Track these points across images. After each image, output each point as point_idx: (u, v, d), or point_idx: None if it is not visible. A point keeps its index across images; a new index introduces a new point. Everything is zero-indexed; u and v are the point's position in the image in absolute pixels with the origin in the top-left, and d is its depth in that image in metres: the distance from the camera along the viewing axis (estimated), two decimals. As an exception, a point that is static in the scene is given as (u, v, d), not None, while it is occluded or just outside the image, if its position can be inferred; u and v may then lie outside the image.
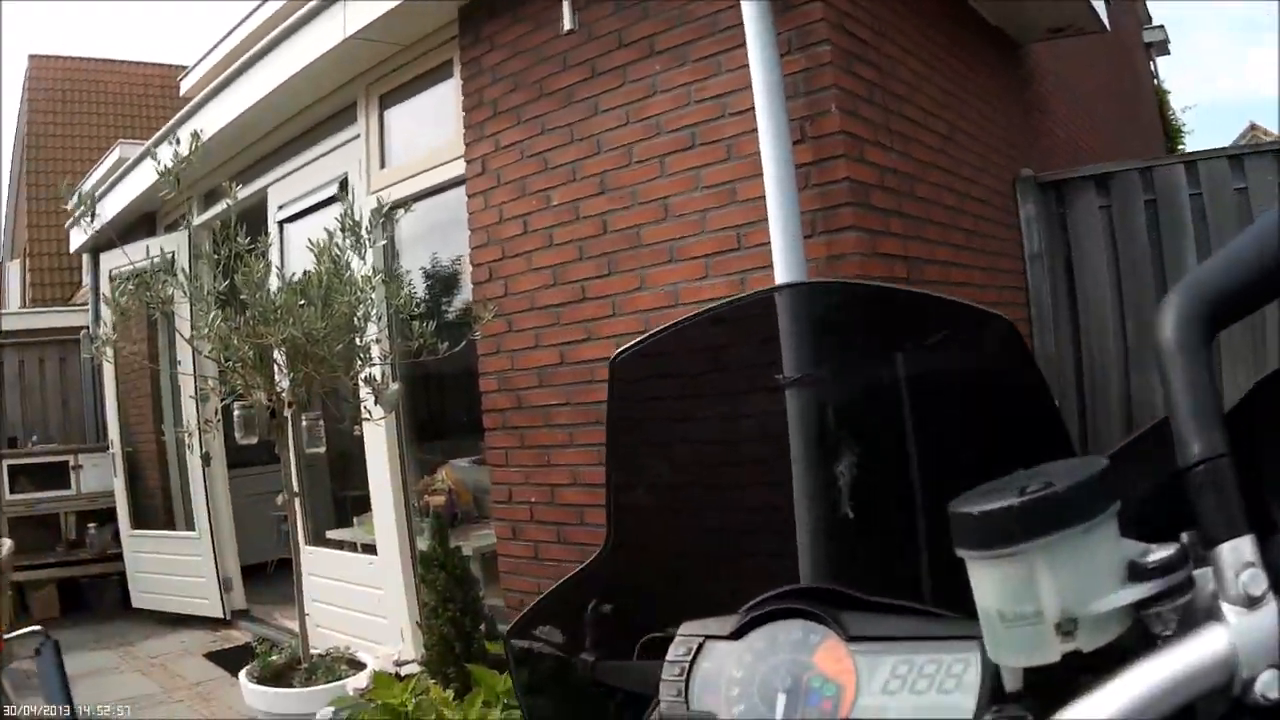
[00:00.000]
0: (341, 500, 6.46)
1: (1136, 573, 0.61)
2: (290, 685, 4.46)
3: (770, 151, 3.56)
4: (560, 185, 4.37)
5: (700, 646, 0.98)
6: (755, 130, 3.61)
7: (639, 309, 4.08)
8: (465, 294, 4.98)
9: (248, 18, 7.49)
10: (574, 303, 4.31)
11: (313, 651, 4.67)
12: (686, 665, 0.97)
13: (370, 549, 5.72)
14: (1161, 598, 0.61)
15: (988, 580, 0.64)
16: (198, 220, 6.77)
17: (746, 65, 3.65)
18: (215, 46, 8.26)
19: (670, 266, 3.99)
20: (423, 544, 4.93)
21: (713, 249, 3.87)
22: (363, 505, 5.83)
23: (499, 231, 4.63)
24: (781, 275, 3.47)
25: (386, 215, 4.76)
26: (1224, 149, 5.80)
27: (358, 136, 5.76)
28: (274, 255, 5.69)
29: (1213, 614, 0.60)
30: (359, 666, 4.60)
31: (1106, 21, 6.30)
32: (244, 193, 5.24)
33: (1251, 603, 0.59)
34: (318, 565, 5.97)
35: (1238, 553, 0.59)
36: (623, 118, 4.15)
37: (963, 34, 5.11)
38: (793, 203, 3.53)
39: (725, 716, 0.91)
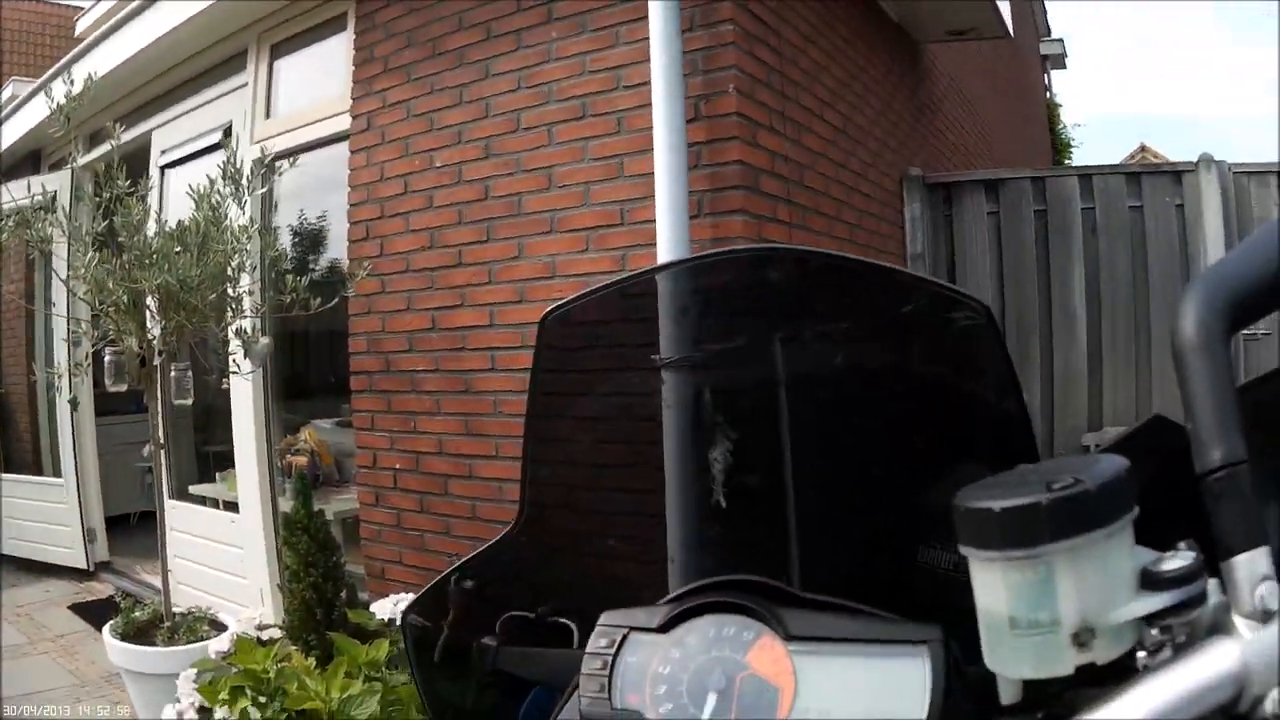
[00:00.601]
0: (205, 455, 6.24)
1: (1151, 582, 0.58)
2: (153, 643, 4.33)
3: (663, 128, 3.45)
4: (445, 147, 4.20)
5: (624, 639, 0.89)
6: (649, 105, 3.49)
7: (515, 278, 3.94)
8: (341, 253, 4.79)
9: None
10: (449, 267, 4.15)
11: (175, 610, 4.51)
12: (610, 659, 0.88)
13: (232, 506, 5.52)
14: (1177, 609, 0.57)
15: (1000, 583, 0.59)
16: (82, 160, 6.45)
17: (646, 38, 3.53)
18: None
19: (550, 237, 3.85)
20: (285, 505, 4.83)
21: (595, 223, 3.75)
22: (226, 461, 5.63)
23: (379, 190, 4.46)
24: (665, 254, 3.36)
25: (268, 166, 4.59)
26: (1122, 165, 5.86)
27: (245, 85, 5.52)
28: (154, 200, 5.45)
29: (1222, 627, 0.57)
30: (220, 628, 4.44)
31: (1010, 27, 6.28)
32: (129, 135, 4.97)
33: (1266, 617, 0.56)
34: (180, 520, 5.76)
35: (1254, 565, 0.56)
36: (514, 83, 3.99)
37: (864, 28, 5.03)
38: (682, 181, 3.43)
39: (651, 716, 0.83)
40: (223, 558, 5.56)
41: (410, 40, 4.37)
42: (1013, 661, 0.60)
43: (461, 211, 4.13)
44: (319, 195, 5.54)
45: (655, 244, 3.43)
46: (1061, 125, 15.71)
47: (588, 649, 0.90)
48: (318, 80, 5.15)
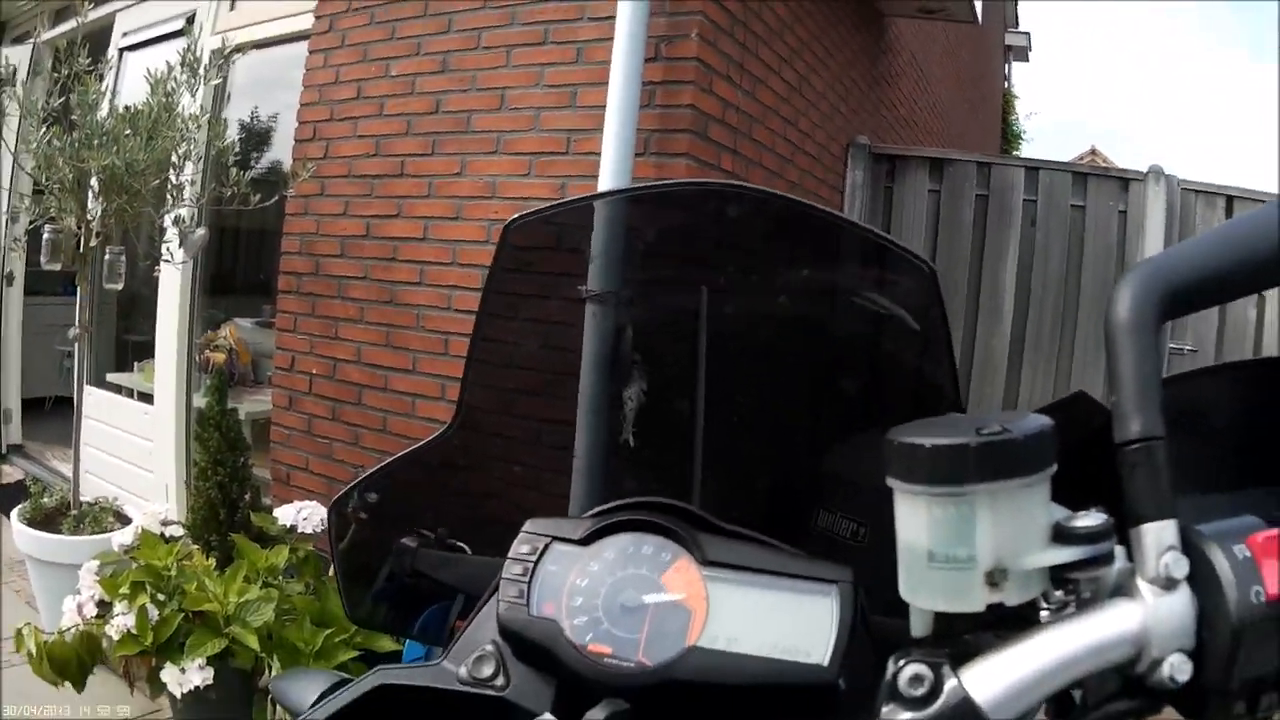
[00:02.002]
0: (125, 343, 6.08)
1: (1063, 536, 0.59)
2: (58, 532, 4.25)
3: (621, 62, 3.38)
4: (403, 57, 4.07)
5: (546, 547, 0.88)
6: (610, 39, 3.42)
7: (454, 194, 3.85)
8: (286, 153, 4.68)
9: None
10: (391, 176, 4.04)
11: (82, 499, 4.44)
12: (531, 566, 0.86)
13: (147, 398, 5.39)
14: (1085, 564, 0.59)
15: (923, 516, 0.60)
16: (46, 36, 6.25)
17: None
18: None
19: (494, 158, 3.76)
20: (200, 401, 4.70)
21: (541, 148, 3.67)
22: (145, 351, 5.49)
23: (331, 93, 4.32)
24: (606, 188, 3.28)
25: (226, 58, 4.46)
26: (1070, 163, 5.85)
27: (214, -27, 5.31)
28: (110, 82, 5.25)
29: (1125, 590, 0.59)
30: (125, 520, 4.38)
31: (980, 13, 6.25)
32: (94, 14, 4.81)
33: (1169, 585, 0.58)
34: (94, 408, 5.57)
35: (1161, 534, 0.59)
36: (480, 1, 3.88)
37: (834, -7, 4.96)
38: (631, 117, 3.37)
39: (565, 625, 0.81)
40: (133, 450, 5.44)
41: (385, -52, 4.23)
42: (927, 593, 0.61)
43: (410, 122, 4.02)
44: (272, 93, 5.39)
45: (598, 176, 3.36)
46: (1015, 116, 15.77)
47: (510, 554, 0.88)
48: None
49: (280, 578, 3.48)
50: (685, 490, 1.05)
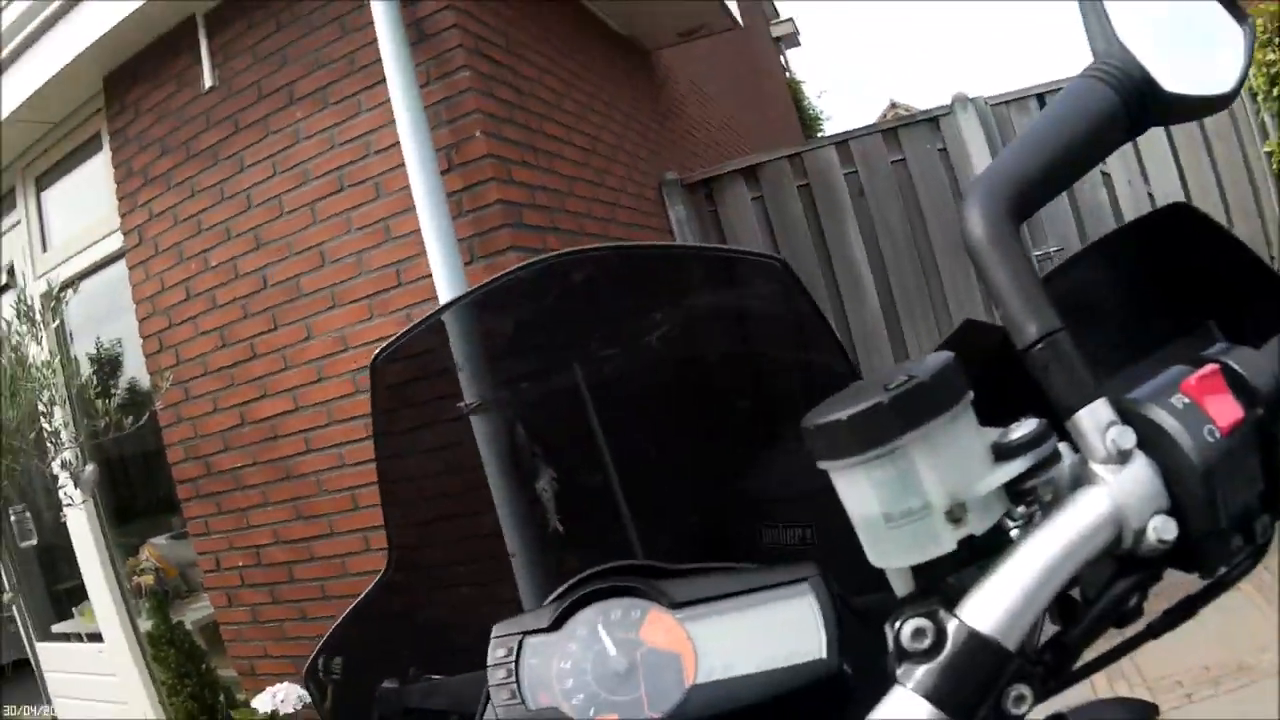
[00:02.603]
0: (57, 594, 5.88)
1: (1003, 453, 0.59)
2: None
3: (420, 183, 3.41)
4: (216, 246, 4.07)
5: (520, 644, 0.87)
6: (402, 165, 3.46)
7: (310, 358, 3.84)
8: (140, 371, 4.59)
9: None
10: (245, 361, 4.02)
11: None
12: (512, 665, 0.86)
13: (96, 637, 5.24)
14: (1035, 471, 0.59)
15: (865, 485, 0.59)
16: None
17: (387, 100, 3.50)
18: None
19: (334, 312, 3.77)
20: (145, 624, 4.57)
21: (374, 289, 3.69)
22: (78, 595, 5.35)
23: (163, 300, 4.29)
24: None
25: (56, 298, 4.32)
26: (876, 125, 5.88)
27: (19, 222, 5.24)
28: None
29: (1083, 479, 0.59)
30: None
31: (739, 17, 6.32)
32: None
33: (1124, 458, 0.58)
34: (51, 662, 5.49)
35: (1096, 415, 0.58)
36: (270, 169, 3.90)
37: (595, 47, 5.05)
38: (448, 232, 3.41)
39: (565, 708, 0.81)
40: (99, 688, 5.26)
41: (164, 147, 4.23)
42: (897, 553, 0.60)
43: (245, 305, 4.00)
44: (112, 316, 5.26)
45: (436, 298, 3.38)
46: (806, 101, 16.01)
47: (488, 662, 0.88)
48: (87, 204, 4.92)
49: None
50: (629, 551, 1.03)
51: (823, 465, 0.60)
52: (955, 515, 0.57)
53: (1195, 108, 0.71)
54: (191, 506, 4.34)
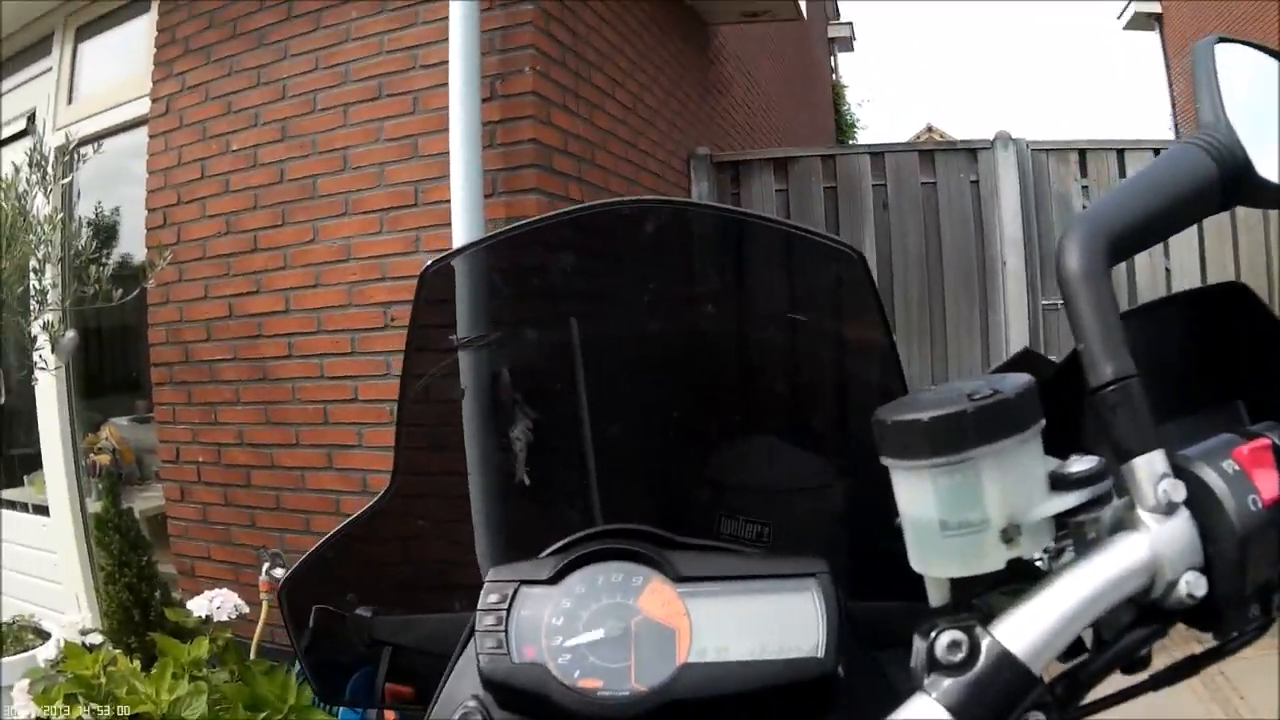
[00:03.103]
0: (10, 459, 5.76)
1: (1060, 483, 0.60)
2: None
3: (459, 106, 3.32)
4: (241, 130, 3.97)
5: (515, 592, 0.84)
6: (445, 85, 3.37)
7: (311, 261, 3.75)
8: (135, 247, 4.52)
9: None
10: (245, 253, 3.93)
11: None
12: (504, 614, 0.83)
13: (43, 510, 5.16)
14: (1087, 506, 0.60)
15: (929, 489, 0.59)
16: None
17: (445, 17, 3.39)
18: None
19: (344, 219, 3.68)
20: (94, 505, 4.46)
21: (389, 203, 3.59)
22: (32, 463, 5.26)
23: (176, 176, 4.18)
24: (460, 234, 3.24)
25: (71, 153, 4.24)
26: (915, 144, 5.85)
27: (50, 69, 5.14)
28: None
29: (1126, 524, 0.60)
30: (45, 636, 4.18)
31: (804, 9, 6.26)
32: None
33: (1170, 510, 0.59)
34: (-8, 527, 5.30)
35: (1153, 465, 0.60)
36: (312, 63, 3.81)
37: (657, 9, 4.96)
38: (476, 160, 3.32)
39: (550, 666, 0.78)
40: (38, 563, 5.18)
41: (212, 21, 4.12)
42: (944, 562, 0.61)
43: (257, 195, 3.91)
44: (121, 184, 5.17)
45: (450, 224, 3.30)
46: (846, 106, 15.95)
47: (480, 606, 0.84)
48: (122, 63, 4.84)
49: (205, 669, 3.33)
50: (639, 516, 0.99)
51: (887, 462, 0.61)
52: (1009, 535, 0.58)
53: None
54: (163, 392, 4.25)
